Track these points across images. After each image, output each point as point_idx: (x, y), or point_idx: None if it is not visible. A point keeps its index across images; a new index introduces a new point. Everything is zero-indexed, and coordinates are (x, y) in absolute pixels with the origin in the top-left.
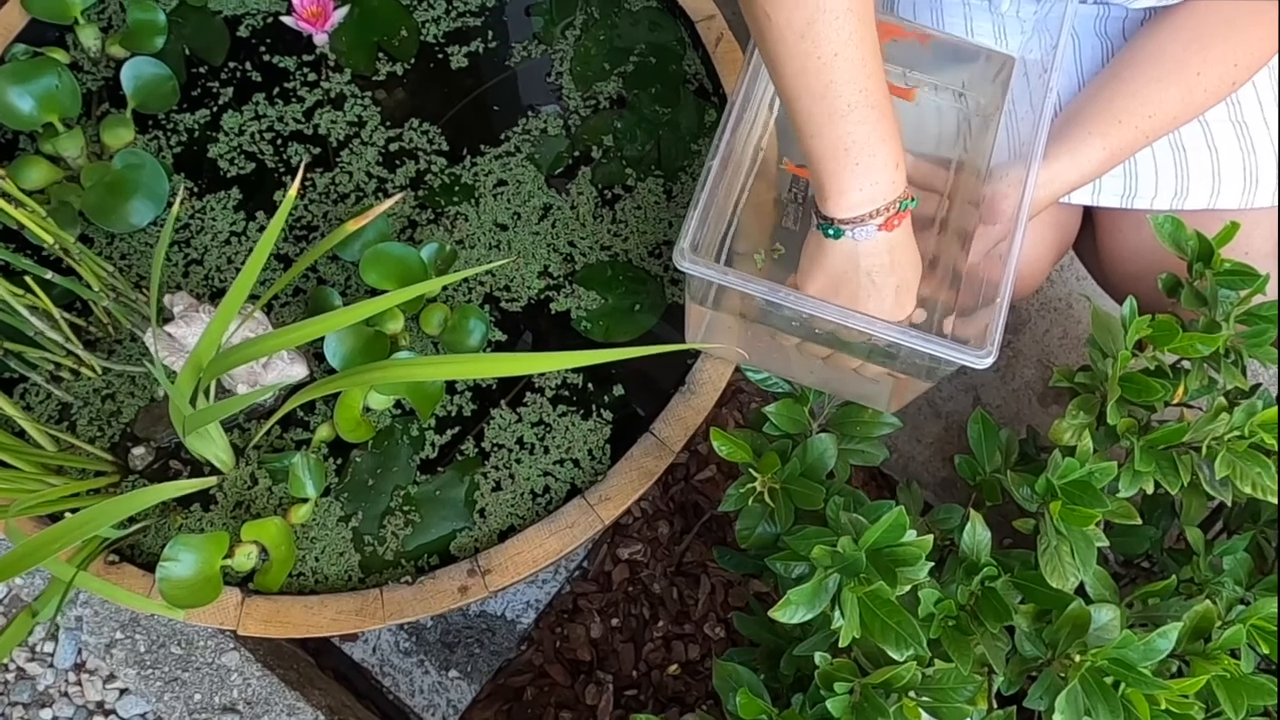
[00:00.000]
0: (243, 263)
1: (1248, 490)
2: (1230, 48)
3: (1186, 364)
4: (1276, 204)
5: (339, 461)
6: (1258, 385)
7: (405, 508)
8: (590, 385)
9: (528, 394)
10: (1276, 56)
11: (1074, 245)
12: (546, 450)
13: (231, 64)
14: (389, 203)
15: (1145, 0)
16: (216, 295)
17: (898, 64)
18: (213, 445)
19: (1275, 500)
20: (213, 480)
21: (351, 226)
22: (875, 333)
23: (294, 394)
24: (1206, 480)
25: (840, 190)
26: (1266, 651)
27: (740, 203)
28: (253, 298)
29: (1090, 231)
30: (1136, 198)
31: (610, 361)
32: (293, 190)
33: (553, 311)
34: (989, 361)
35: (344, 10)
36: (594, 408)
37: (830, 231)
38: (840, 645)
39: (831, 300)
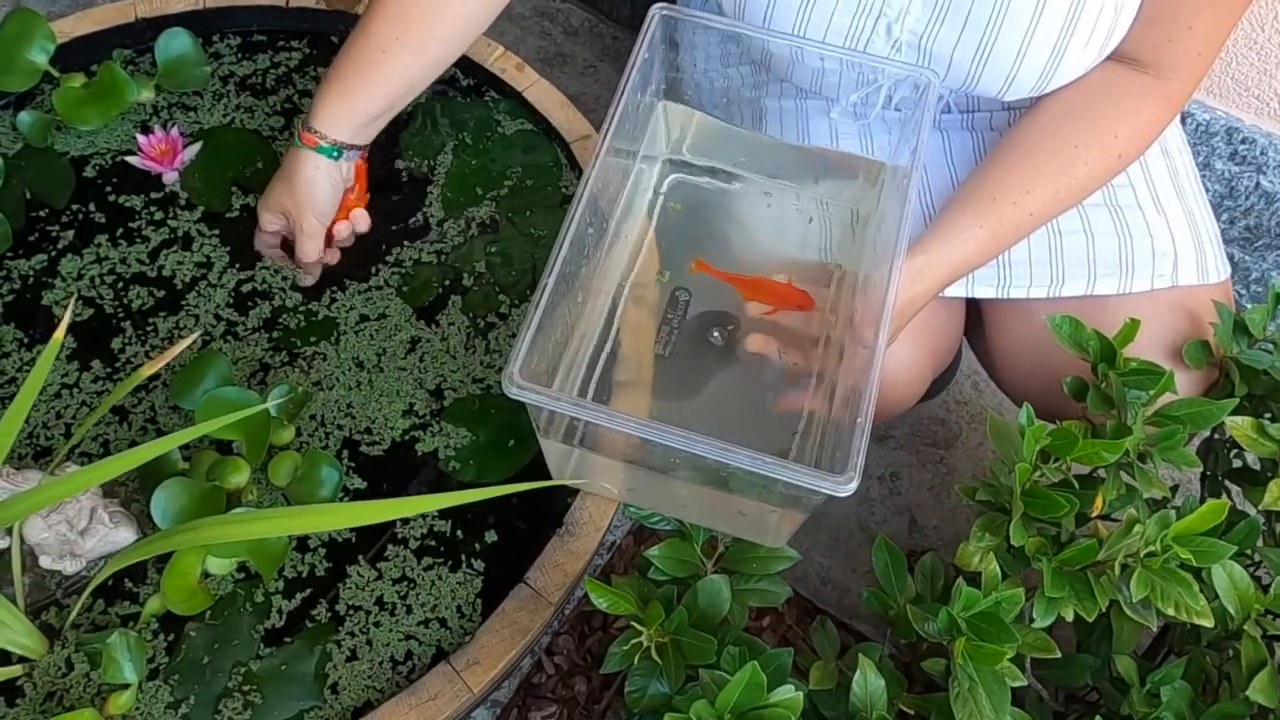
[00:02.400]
0: (73, 418)
1: (1171, 612)
2: (1107, 119)
3: (1104, 473)
4: (1153, 288)
5: (171, 638)
6: (1175, 488)
7: (245, 687)
8: (459, 533)
9: (390, 547)
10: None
11: (972, 347)
12: (410, 610)
13: (75, 206)
14: (185, 343)
15: (1016, 94)
16: (41, 454)
17: (787, 180)
18: (8, 631)
19: (1208, 623)
20: (18, 669)
21: (147, 371)
22: (728, 461)
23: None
24: (1127, 603)
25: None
26: None
27: (615, 327)
28: (83, 453)
29: (981, 331)
30: (1012, 287)
31: (481, 504)
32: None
33: (419, 453)
34: (851, 488)
35: (195, 147)
36: (464, 558)
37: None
38: None
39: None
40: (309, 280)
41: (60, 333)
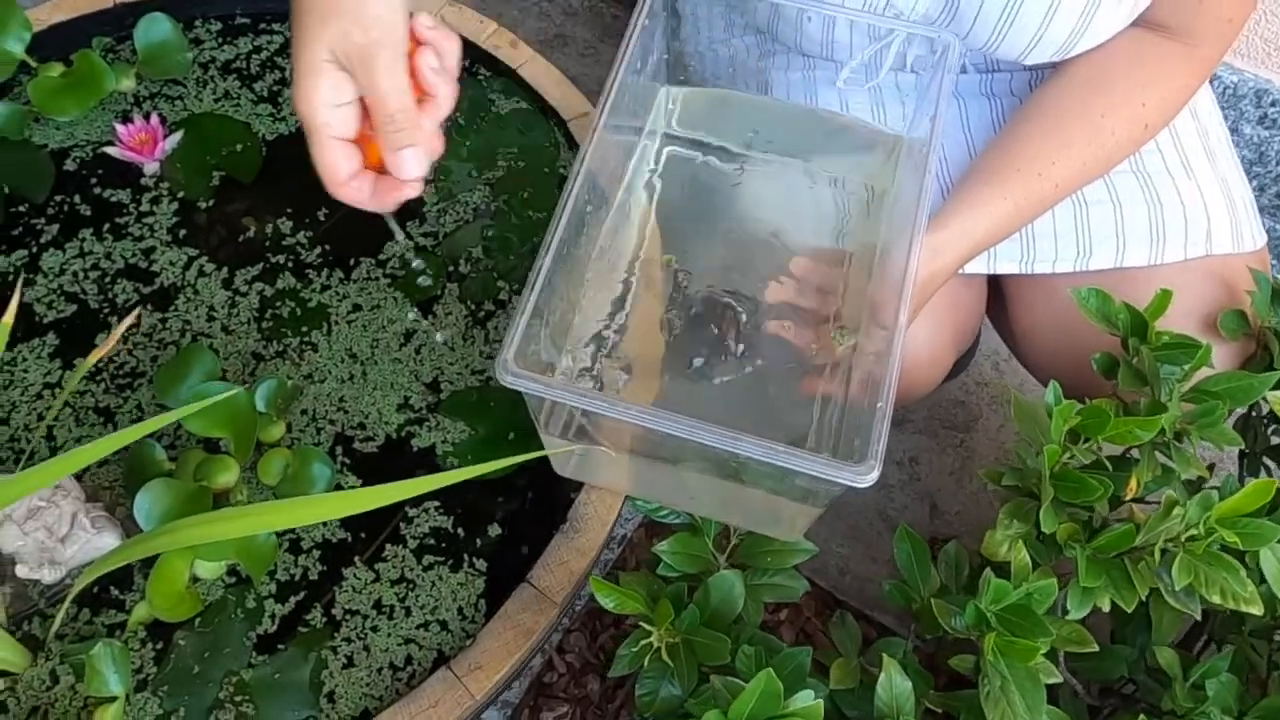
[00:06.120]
0: (55, 419)
1: (1217, 599)
2: (1136, 86)
3: (1137, 453)
4: (1185, 257)
5: (160, 646)
6: (1211, 466)
7: (238, 697)
8: (461, 530)
9: (388, 547)
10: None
11: (994, 325)
12: (409, 613)
13: (57, 198)
14: (124, 324)
15: (1039, 56)
16: (31, 459)
17: (798, 156)
18: None
19: (1257, 610)
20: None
21: (93, 359)
22: (738, 451)
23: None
24: (1168, 590)
25: None
26: None
27: (625, 311)
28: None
29: (1004, 308)
30: (1036, 261)
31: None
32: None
33: (415, 448)
34: (872, 478)
35: (177, 135)
36: (465, 557)
37: None
38: None
39: None
40: (418, 170)
41: (9, 317)
